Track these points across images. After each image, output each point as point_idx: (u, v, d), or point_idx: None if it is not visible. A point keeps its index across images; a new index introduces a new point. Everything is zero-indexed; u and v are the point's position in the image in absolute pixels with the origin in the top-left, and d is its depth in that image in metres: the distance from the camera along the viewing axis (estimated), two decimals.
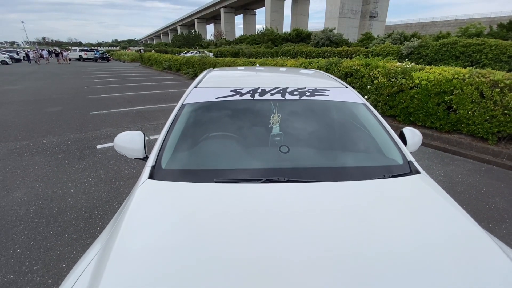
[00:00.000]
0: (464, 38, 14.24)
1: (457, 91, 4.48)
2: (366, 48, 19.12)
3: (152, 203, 1.14)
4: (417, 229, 0.99)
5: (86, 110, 7.20)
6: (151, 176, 1.30)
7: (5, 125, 5.71)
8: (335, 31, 29.13)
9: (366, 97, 5.91)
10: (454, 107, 4.57)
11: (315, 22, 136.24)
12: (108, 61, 35.66)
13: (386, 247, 0.89)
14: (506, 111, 4.00)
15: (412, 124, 5.28)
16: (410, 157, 1.49)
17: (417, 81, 4.96)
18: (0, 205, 2.78)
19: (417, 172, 1.39)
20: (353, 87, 6.22)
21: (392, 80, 5.43)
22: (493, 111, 4.13)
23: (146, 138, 1.68)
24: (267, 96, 1.74)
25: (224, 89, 1.83)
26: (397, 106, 5.40)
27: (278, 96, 1.74)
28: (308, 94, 1.80)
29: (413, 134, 1.79)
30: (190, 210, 1.08)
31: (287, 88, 1.84)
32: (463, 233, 1.00)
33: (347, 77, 6.40)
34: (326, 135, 1.69)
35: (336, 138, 1.69)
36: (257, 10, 73.73)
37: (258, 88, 1.83)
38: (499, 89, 4.08)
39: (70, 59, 32.36)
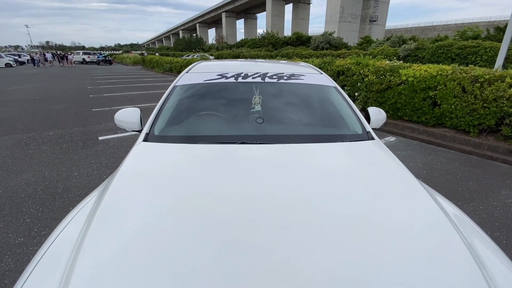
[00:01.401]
0: (460, 40, 14.50)
1: (441, 87, 4.71)
2: (365, 51, 19.42)
3: (146, 157, 1.38)
4: (363, 176, 1.24)
5: (89, 107, 7.48)
6: (145, 140, 1.54)
7: (12, 120, 5.99)
8: (335, 35, 29.53)
9: (357, 94, 6.16)
10: (438, 102, 4.80)
11: (316, 26, 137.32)
12: (110, 64, 36.18)
13: (337, 190, 1.10)
14: (485, 105, 4.23)
15: (400, 119, 5.51)
16: (369, 129, 1.72)
17: (404, 78, 5.21)
18: (10, 185, 3.03)
19: (373, 139, 1.63)
20: (345, 85, 6.48)
21: (381, 77, 5.67)
22: (474, 105, 4.36)
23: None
24: (249, 79, 1.99)
25: (211, 74, 2.08)
26: (385, 102, 5.63)
27: (258, 79, 1.99)
28: (285, 78, 2.05)
29: (378, 113, 2.03)
30: (177, 160, 1.33)
31: (267, 73, 2.09)
32: (395, 177, 1.24)
33: (339, 75, 6.65)
34: (298, 111, 1.92)
35: (307, 114, 1.92)
36: (258, 15, 74.60)
37: (242, 73, 2.08)
38: (479, 84, 4.31)
39: (74, 62, 32.98)
